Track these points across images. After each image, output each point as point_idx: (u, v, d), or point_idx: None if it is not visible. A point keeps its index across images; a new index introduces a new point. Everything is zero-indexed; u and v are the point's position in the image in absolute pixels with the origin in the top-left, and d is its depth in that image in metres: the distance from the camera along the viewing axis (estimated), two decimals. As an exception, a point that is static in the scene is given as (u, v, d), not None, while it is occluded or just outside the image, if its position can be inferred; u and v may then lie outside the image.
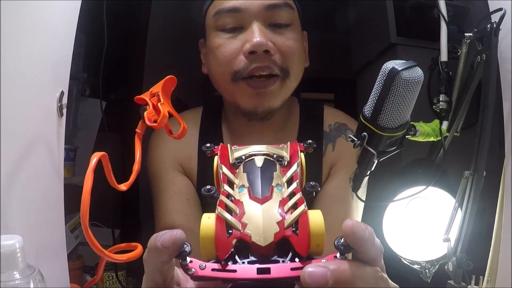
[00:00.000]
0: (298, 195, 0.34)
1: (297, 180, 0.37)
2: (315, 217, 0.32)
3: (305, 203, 0.34)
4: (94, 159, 0.42)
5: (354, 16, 1.15)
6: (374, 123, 0.51)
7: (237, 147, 0.42)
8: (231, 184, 0.37)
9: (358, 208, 0.74)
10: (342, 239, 0.32)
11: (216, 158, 0.41)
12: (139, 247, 0.51)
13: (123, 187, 0.51)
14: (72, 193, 0.62)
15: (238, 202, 0.34)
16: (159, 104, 0.56)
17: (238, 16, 0.67)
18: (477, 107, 0.65)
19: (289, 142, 0.43)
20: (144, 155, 0.76)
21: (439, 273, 0.67)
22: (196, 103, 0.84)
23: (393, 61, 0.50)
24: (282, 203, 0.34)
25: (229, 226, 0.33)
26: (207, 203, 0.38)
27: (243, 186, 0.36)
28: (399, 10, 0.91)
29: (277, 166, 0.39)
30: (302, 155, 0.41)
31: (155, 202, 0.77)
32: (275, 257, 0.32)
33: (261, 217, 0.32)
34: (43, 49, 0.54)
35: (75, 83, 1.05)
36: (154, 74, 0.70)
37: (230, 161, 0.40)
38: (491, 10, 0.64)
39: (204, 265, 0.32)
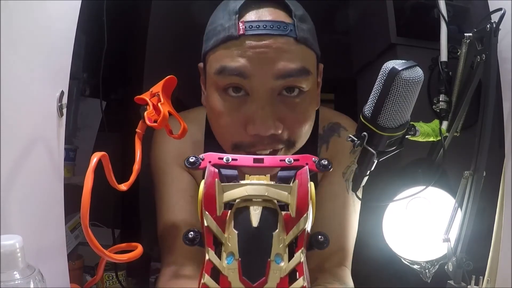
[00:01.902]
0: (301, 282, 0.29)
1: (302, 249, 0.30)
2: None
3: None
4: (94, 159, 0.42)
5: (354, 16, 1.15)
6: (374, 123, 0.51)
7: (229, 184, 0.33)
8: (217, 242, 0.31)
9: (354, 202, 0.74)
10: None
11: (201, 186, 0.33)
12: (139, 247, 0.51)
13: (123, 187, 0.51)
14: (72, 193, 0.62)
15: (225, 281, 0.29)
16: (159, 104, 0.56)
17: (244, 82, 0.57)
18: (477, 107, 0.65)
19: (295, 183, 0.33)
20: (145, 153, 0.76)
21: (439, 273, 0.67)
22: (196, 103, 0.84)
23: (393, 61, 0.50)
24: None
25: None
26: None
27: (232, 254, 0.30)
28: (399, 10, 0.91)
29: (279, 217, 0.31)
30: (312, 187, 0.33)
31: (157, 197, 0.76)
32: None
33: None
34: (43, 49, 0.54)
35: (75, 83, 1.05)
36: (154, 74, 0.70)
37: (217, 209, 0.31)
38: (491, 10, 0.64)
39: None
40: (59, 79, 0.58)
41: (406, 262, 0.72)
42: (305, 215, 0.31)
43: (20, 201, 0.50)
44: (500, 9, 0.61)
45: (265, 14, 0.58)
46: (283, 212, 0.32)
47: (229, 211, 0.32)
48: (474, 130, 0.64)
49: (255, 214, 0.31)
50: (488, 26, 0.61)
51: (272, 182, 0.33)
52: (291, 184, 0.33)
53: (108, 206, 0.84)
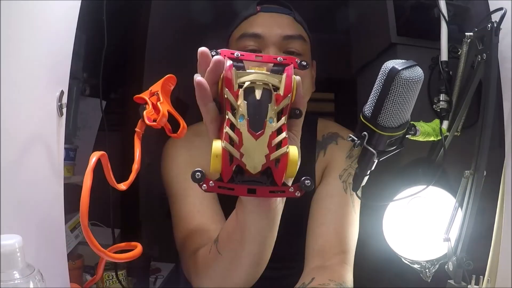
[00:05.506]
0: (284, 134, 0.44)
1: (285, 116, 0.46)
2: (292, 158, 0.43)
3: (287, 144, 0.44)
4: (93, 159, 0.42)
5: (354, 16, 1.15)
6: (374, 123, 0.51)
7: (241, 71, 0.47)
8: (233, 108, 0.45)
9: (353, 203, 0.78)
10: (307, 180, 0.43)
11: (222, 75, 0.47)
12: (139, 247, 0.51)
13: (122, 186, 0.51)
14: (72, 192, 0.62)
15: (238, 132, 0.44)
16: (158, 103, 0.56)
17: (258, 41, 0.77)
18: (477, 106, 0.65)
19: (284, 75, 0.47)
20: (145, 152, 0.75)
21: (439, 273, 0.67)
22: (196, 103, 0.84)
23: (393, 60, 0.50)
24: (272, 137, 0.44)
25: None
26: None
27: (243, 116, 0.44)
28: (399, 10, 0.91)
29: (273, 95, 0.45)
30: (295, 81, 0.47)
31: (175, 209, 0.79)
32: (260, 179, 0.44)
33: (255, 151, 0.43)
34: (43, 49, 0.54)
35: (75, 82, 1.05)
36: (154, 73, 0.70)
37: (234, 87, 0.45)
38: (491, 10, 0.64)
39: (212, 183, 0.44)
40: (59, 79, 0.58)
41: (406, 262, 0.72)
42: (289, 95, 0.46)
43: (20, 201, 0.50)
44: (500, 9, 0.61)
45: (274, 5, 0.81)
46: (275, 92, 0.46)
47: (240, 89, 0.45)
48: (475, 130, 0.64)
49: (258, 92, 0.45)
50: (488, 25, 0.61)
51: (269, 73, 0.47)
52: (281, 75, 0.48)
53: (108, 206, 0.83)
